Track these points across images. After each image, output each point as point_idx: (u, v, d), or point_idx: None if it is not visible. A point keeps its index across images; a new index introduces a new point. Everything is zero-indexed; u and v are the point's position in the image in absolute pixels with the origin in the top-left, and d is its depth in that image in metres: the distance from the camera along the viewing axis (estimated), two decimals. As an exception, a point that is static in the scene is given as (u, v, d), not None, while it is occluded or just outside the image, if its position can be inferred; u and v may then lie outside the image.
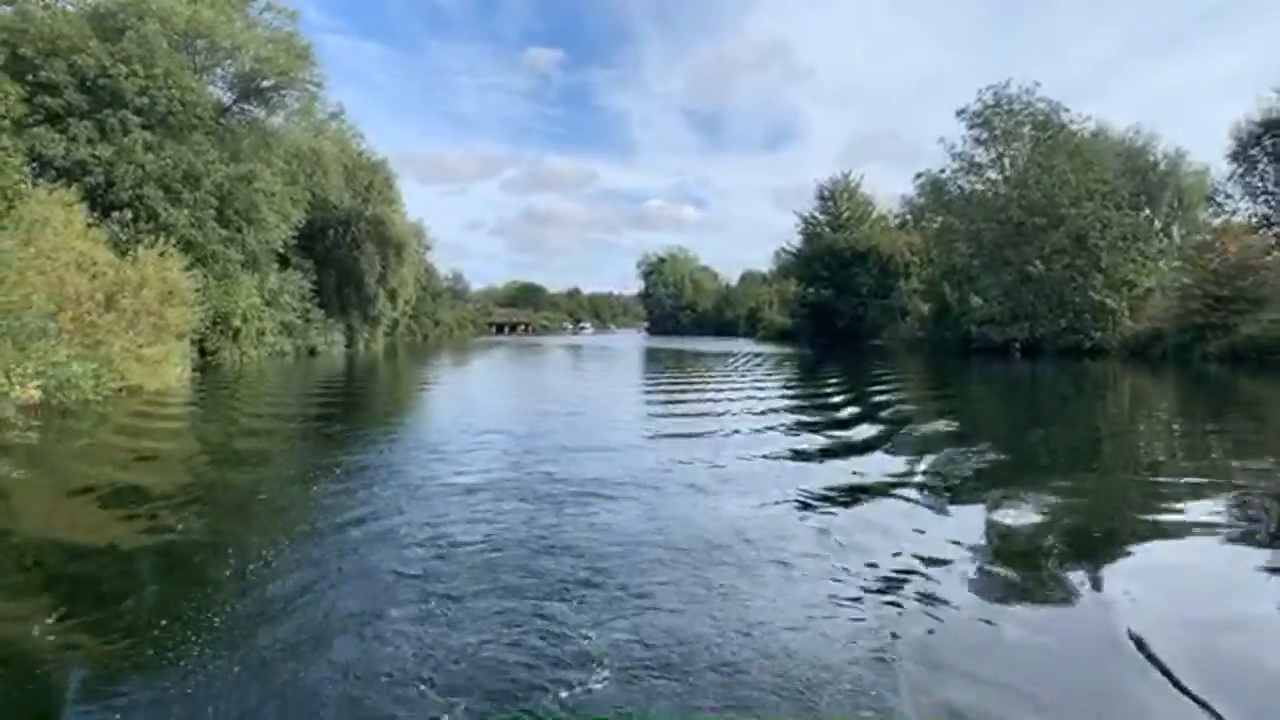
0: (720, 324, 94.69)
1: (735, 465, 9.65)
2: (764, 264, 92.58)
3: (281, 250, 35.05)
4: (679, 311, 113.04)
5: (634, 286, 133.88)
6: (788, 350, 48.08)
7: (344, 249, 43.10)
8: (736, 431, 12.57)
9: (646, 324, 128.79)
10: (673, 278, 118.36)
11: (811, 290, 57.65)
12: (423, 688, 3.70)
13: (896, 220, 54.15)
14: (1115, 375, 25.30)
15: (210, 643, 4.13)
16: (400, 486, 8.11)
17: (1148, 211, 45.76)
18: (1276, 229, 33.17)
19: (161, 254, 20.05)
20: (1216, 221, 34.31)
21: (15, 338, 12.91)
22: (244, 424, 14.48)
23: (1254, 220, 34.80)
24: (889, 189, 52.60)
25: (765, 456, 10.18)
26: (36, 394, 12.72)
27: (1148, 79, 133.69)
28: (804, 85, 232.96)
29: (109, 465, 9.53)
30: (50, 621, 4.49)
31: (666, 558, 5.70)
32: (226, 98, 33.14)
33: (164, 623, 4.41)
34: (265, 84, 33.29)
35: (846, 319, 53.34)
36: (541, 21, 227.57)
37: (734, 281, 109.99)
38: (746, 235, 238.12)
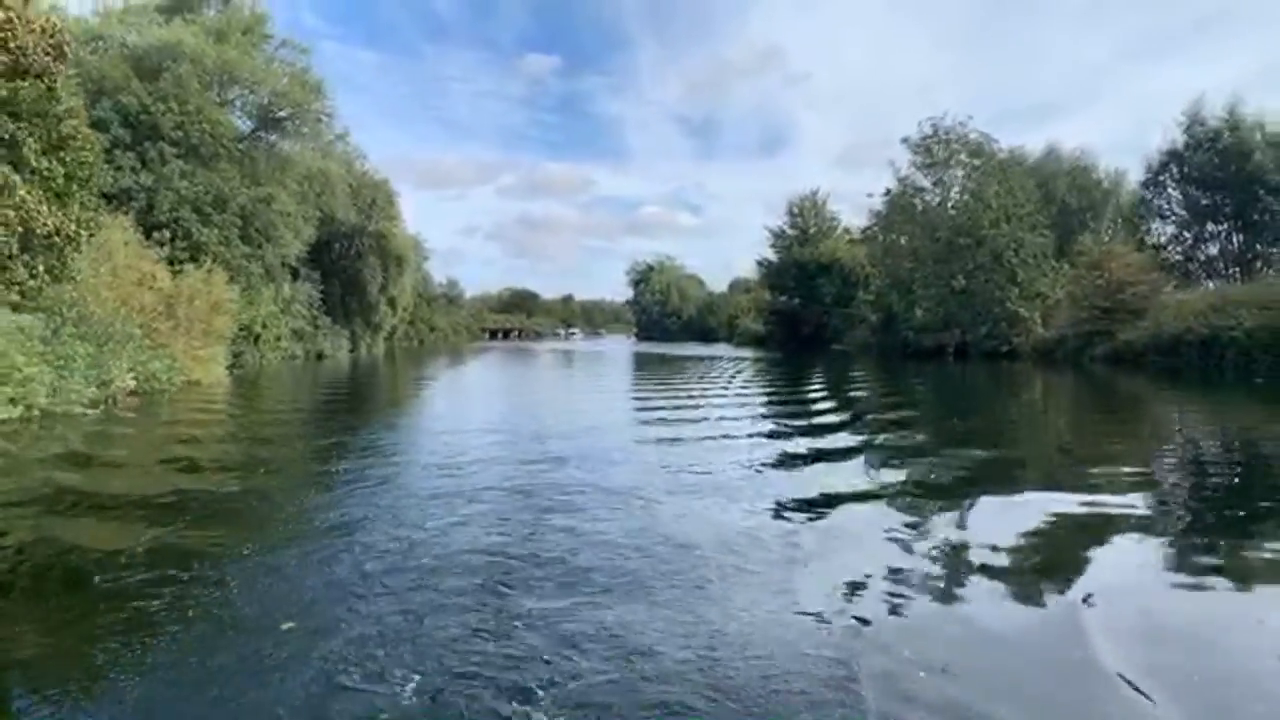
0: (704, 330, 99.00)
1: (706, 444, 11.70)
2: (755, 271, 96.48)
3: (293, 263, 38.90)
4: (665, 318, 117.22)
5: (626, 293, 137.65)
6: (759, 354, 52.25)
7: (349, 261, 46.98)
8: (706, 419, 15.07)
9: (635, 330, 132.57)
10: (660, 285, 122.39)
11: (782, 299, 62.04)
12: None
13: (859, 234, 58.41)
14: (1025, 374, 29.26)
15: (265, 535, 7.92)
16: (396, 457, 11.56)
17: (1093, 226, 50.11)
18: (1165, 251, 37.75)
19: (209, 272, 23.89)
20: (1137, 238, 38.95)
21: (114, 341, 16.79)
22: (282, 406, 18.72)
23: (1162, 239, 39.25)
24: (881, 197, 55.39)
25: (732, 436, 12.22)
26: (132, 383, 16.62)
27: (1139, 84, 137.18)
28: (799, 90, 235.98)
29: (194, 428, 13.51)
30: (182, 525, 6.79)
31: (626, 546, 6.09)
32: (246, 126, 37.01)
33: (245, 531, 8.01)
34: (281, 115, 37.16)
35: (812, 325, 57.54)
36: (537, 28, 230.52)
37: (724, 288, 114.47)
38: (741, 241, 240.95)
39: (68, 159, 17.66)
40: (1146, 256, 34.89)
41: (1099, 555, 5.98)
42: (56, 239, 16.65)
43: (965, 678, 3.78)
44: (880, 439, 12.52)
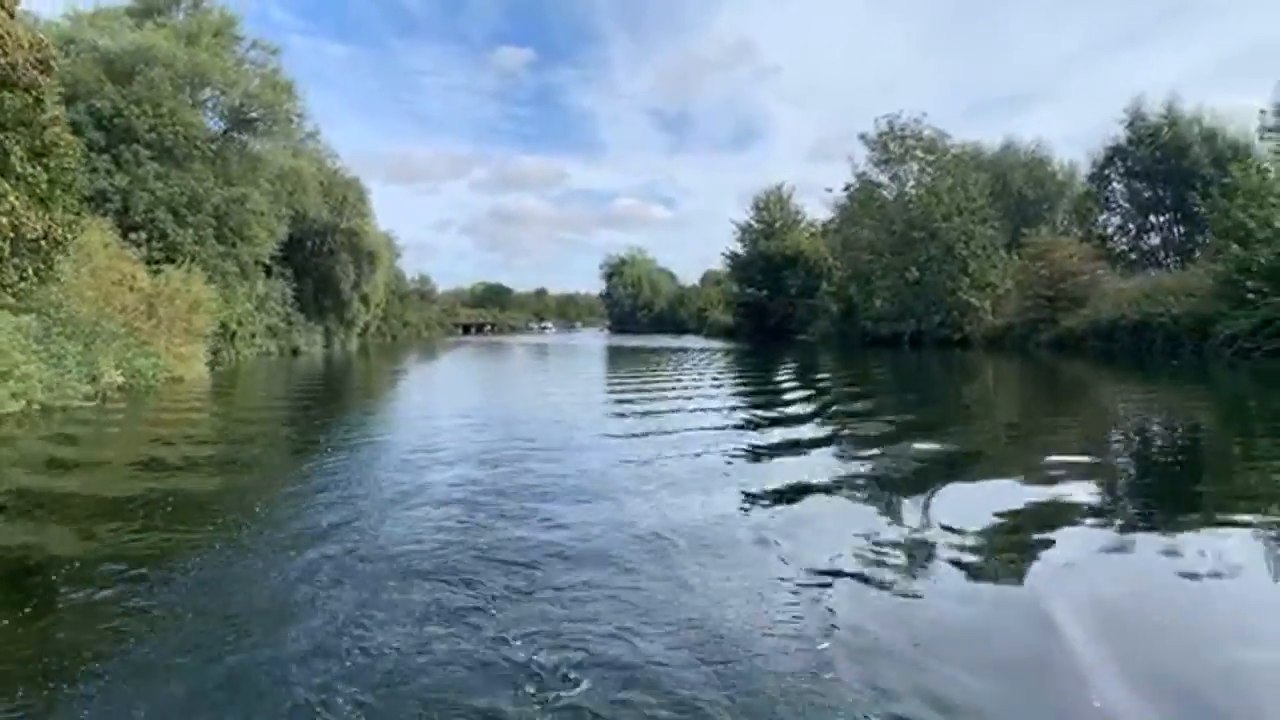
0: (675, 322, 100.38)
1: (678, 427, 12.46)
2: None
3: (267, 261, 39.58)
4: (637, 311, 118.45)
5: (600, 286, 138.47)
6: (728, 345, 53.70)
7: (321, 259, 47.62)
8: (679, 410, 15.47)
9: (608, 323, 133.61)
10: (632, 279, 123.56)
11: (749, 291, 63.45)
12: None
13: (822, 227, 59.89)
14: (975, 361, 30.72)
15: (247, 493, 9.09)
16: (367, 441, 12.98)
17: (1048, 218, 52.00)
18: (1112, 241, 39.66)
19: (188, 271, 24.71)
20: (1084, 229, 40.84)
21: (100, 339, 17.67)
22: (260, 399, 19.76)
23: (1108, 230, 41.09)
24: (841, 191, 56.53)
25: (705, 428, 12.44)
26: (120, 379, 17.51)
27: (1109, 75, 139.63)
28: (770, 84, 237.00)
29: (178, 416, 14.52)
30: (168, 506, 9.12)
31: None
32: (219, 127, 37.58)
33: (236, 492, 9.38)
34: (253, 115, 37.82)
35: (778, 316, 58.99)
36: (508, 22, 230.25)
37: (696, 280, 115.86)
38: (714, 233, 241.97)
39: (51, 165, 18.41)
40: (1088, 247, 36.53)
41: (1059, 537, 6.06)
42: (44, 243, 17.46)
43: (936, 662, 3.83)
44: (845, 430, 12.66)
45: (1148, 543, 6.03)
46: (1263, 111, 29.81)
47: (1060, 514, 6.76)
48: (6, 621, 4.38)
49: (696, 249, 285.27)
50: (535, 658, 3.86)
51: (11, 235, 16.42)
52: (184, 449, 10.61)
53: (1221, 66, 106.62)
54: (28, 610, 4.60)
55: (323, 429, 13.00)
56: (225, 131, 37.52)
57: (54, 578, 5.27)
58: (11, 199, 16.48)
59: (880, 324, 43.63)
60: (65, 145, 19.90)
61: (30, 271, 17.34)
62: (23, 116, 17.52)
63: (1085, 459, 9.63)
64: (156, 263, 26.59)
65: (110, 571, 5.23)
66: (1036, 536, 6.13)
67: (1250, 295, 23.16)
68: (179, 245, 30.08)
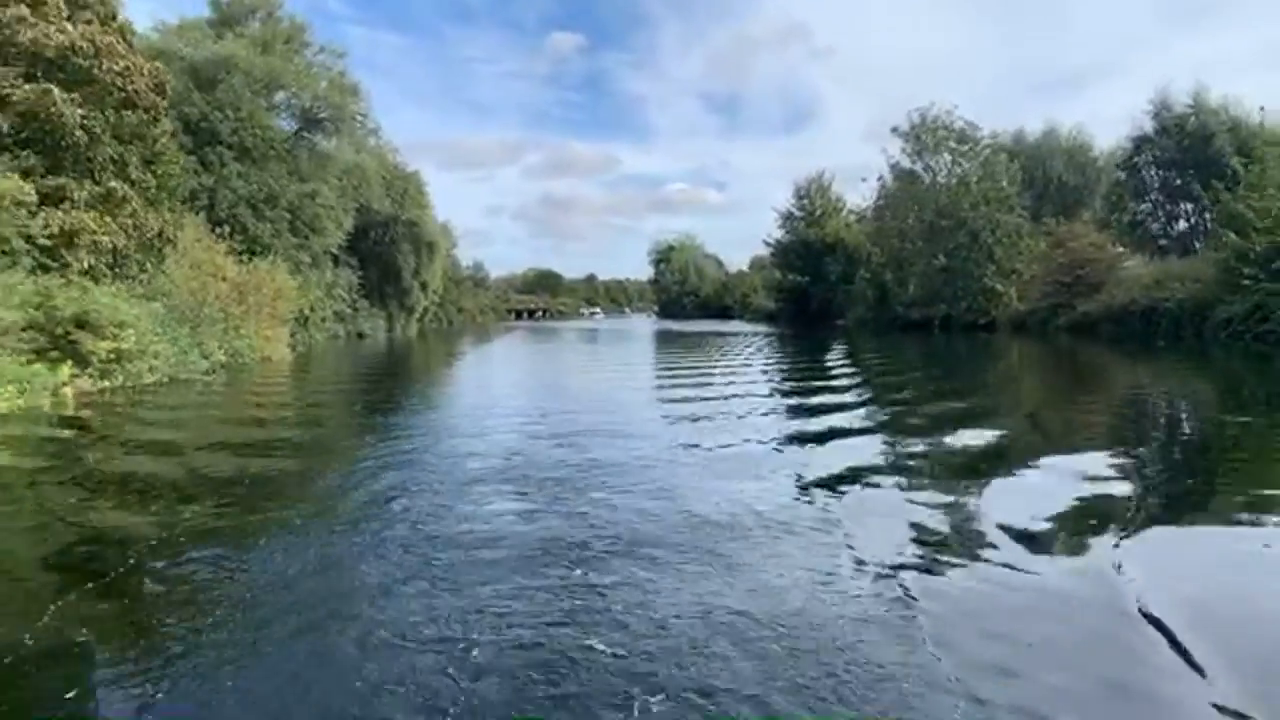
0: (720, 308, 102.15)
1: (733, 407, 13.11)
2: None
3: (335, 251, 42.73)
4: (684, 297, 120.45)
5: (649, 272, 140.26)
6: (770, 329, 55.75)
7: (384, 248, 50.77)
8: (730, 389, 16.24)
9: (656, 308, 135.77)
10: (679, 265, 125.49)
11: (791, 277, 65.21)
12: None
13: (857, 216, 61.32)
14: (1000, 344, 32.44)
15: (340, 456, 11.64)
16: (432, 410, 15.60)
17: (1088, 203, 52.96)
18: (1141, 228, 40.78)
19: (272, 263, 27.72)
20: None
21: (204, 324, 20.62)
22: (341, 374, 22.67)
23: (1138, 217, 42.17)
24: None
25: (759, 413, 12.71)
26: (223, 358, 20.46)
27: (1175, 51, 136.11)
28: (823, 65, 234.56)
29: (276, 387, 17.35)
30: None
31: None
32: (291, 127, 40.69)
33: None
34: (322, 116, 40.90)
35: (818, 302, 60.60)
36: (559, 8, 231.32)
37: (746, 264, 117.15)
38: (765, 217, 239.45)
39: (159, 171, 21.41)
40: (1105, 235, 37.80)
41: (1114, 521, 5.99)
42: (156, 240, 20.39)
43: (1023, 647, 3.84)
44: (884, 411, 13.03)
45: (1206, 532, 6.14)
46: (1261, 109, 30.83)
47: (1106, 500, 6.78)
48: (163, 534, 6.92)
49: (749, 232, 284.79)
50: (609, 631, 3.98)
51: (135, 233, 19.41)
52: (289, 410, 13.31)
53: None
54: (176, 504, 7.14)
55: (400, 396, 15.73)
56: (297, 131, 40.59)
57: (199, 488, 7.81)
58: (134, 202, 19.42)
59: (911, 309, 45.36)
60: (170, 154, 22.96)
61: (148, 264, 20.37)
62: (139, 131, 20.41)
63: (1109, 442, 9.90)
64: (239, 254, 29.66)
65: (245, 491, 7.80)
66: (1093, 522, 6.07)
67: (1246, 282, 24.56)
68: (258, 238, 33.17)
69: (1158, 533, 5.87)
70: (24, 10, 16.73)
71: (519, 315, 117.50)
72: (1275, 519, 6.16)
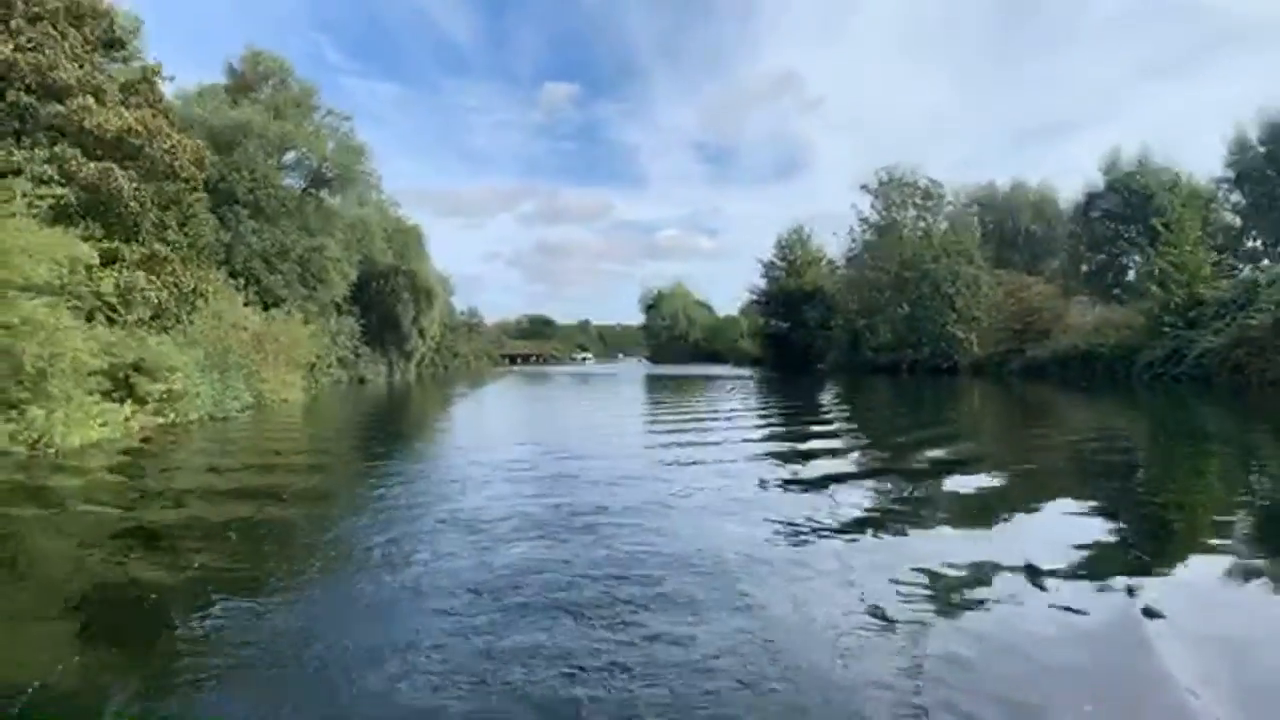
0: (710, 353, 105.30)
1: (723, 444, 14.37)
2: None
3: (339, 300, 45.38)
4: (674, 341, 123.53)
5: (640, 318, 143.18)
6: (753, 373, 58.36)
7: (385, 297, 53.41)
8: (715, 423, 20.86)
9: (648, 353, 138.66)
10: (669, 310, 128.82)
11: (774, 323, 68.34)
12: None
13: (830, 268, 64.84)
14: (961, 387, 34.89)
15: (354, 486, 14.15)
16: (425, 451, 18.12)
17: (1053, 252, 56.23)
18: (1094, 278, 43.84)
19: (288, 314, 30.30)
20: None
21: (231, 369, 23.10)
22: (350, 414, 25.09)
23: (1092, 268, 45.31)
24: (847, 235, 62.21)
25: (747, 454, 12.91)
26: (252, 400, 22.92)
27: (1154, 103, 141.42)
28: (814, 115, 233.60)
29: (294, 426, 19.80)
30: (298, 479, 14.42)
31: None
32: (299, 185, 43.58)
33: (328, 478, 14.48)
34: (330, 175, 43.87)
35: (799, 347, 63.41)
36: (554, 58, 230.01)
37: (738, 309, 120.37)
38: (756, 263, 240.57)
39: (190, 232, 24.08)
40: (1053, 287, 40.90)
41: (1081, 556, 6.24)
42: (192, 295, 22.95)
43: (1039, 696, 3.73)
44: (857, 457, 13.14)
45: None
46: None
47: (1084, 536, 6.89)
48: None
49: (740, 278, 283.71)
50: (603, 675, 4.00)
51: (175, 289, 21.97)
52: (315, 444, 15.77)
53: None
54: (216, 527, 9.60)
55: (402, 435, 18.22)
56: (305, 189, 43.46)
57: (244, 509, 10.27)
58: (174, 261, 22.01)
59: (880, 354, 48.35)
60: (201, 216, 25.65)
61: (182, 316, 22.91)
62: (176, 197, 23.08)
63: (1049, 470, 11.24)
64: (252, 305, 32.23)
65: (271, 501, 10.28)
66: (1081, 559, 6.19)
67: (1166, 329, 27.38)
68: (270, 289, 35.83)
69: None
70: (90, 101, 19.50)
71: (513, 360, 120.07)
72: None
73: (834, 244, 63.18)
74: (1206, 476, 10.96)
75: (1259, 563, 6.16)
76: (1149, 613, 4.76)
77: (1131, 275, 44.73)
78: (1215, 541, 6.85)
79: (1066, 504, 8.59)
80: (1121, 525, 7.39)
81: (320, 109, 46.50)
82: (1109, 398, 24.27)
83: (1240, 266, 35.50)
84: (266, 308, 32.82)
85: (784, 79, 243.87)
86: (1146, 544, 6.92)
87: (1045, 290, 39.05)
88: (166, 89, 25.32)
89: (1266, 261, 32.23)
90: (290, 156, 43.02)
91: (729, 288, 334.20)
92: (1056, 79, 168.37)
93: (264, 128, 39.15)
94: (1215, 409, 19.65)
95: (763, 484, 9.73)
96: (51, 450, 12.65)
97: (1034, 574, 5.59)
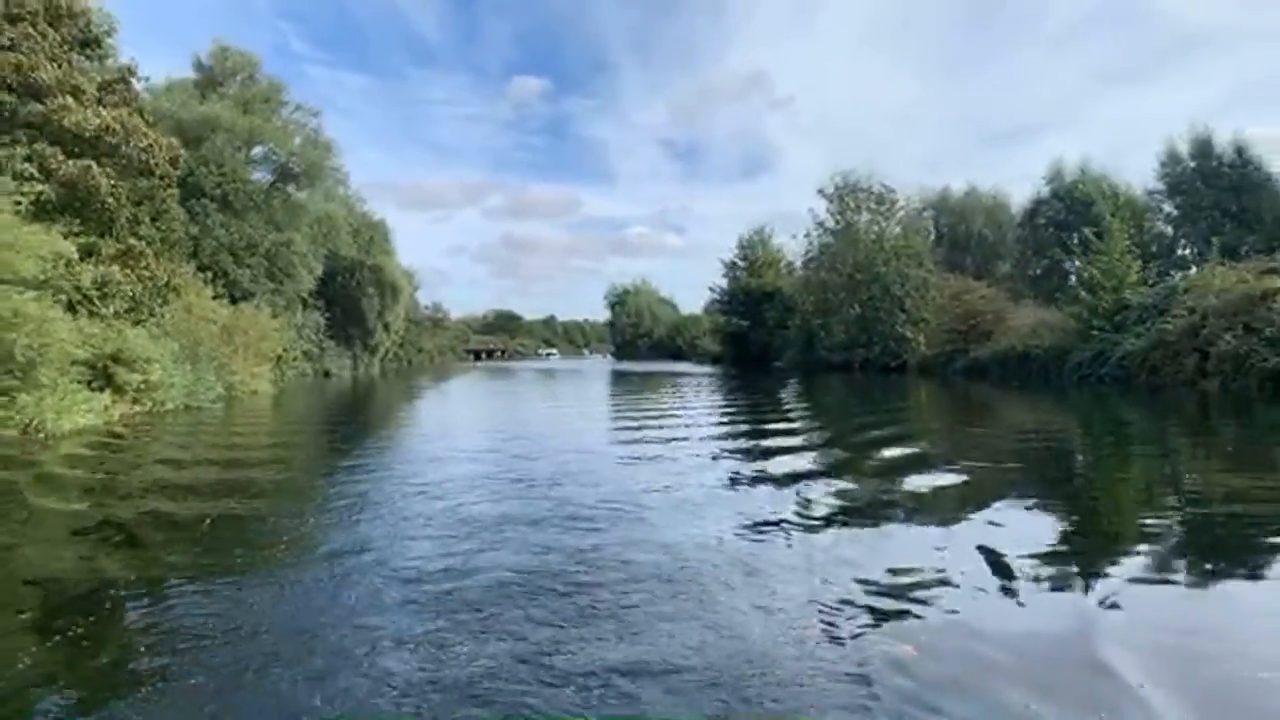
0: (673, 350, 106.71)
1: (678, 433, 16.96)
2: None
3: (305, 294, 45.92)
4: (639, 339, 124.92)
5: (607, 314, 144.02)
6: (713, 370, 59.79)
7: (350, 291, 54.04)
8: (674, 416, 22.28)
9: (612, 350, 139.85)
10: (634, 308, 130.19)
11: (734, 321, 69.89)
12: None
13: (788, 269, 66.70)
14: (908, 384, 36.54)
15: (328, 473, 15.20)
16: (392, 437, 19.14)
17: (1004, 256, 58.36)
18: (1039, 282, 45.95)
19: (257, 308, 31.01)
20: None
21: (202, 361, 23.88)
22: (318, 403, 25.99)
23: (1038, 272, 47.40)
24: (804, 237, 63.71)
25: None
26: (223, 390, 23.71)
27: (1115, 107, 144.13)
28: (783, 114, 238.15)
29: (265, 413, 20.71)
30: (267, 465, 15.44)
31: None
32: (266, 179, 43.99)
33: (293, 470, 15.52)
34: (297, 170, 44.36)
35: (758, 345, 64.91)
36: (523, 53, 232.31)
37: (702, 307, 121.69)
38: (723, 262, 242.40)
39: (162, 227, 24.82)
40: (995, 290, 42.84)
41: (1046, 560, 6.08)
42: (165, 288, 23.68)
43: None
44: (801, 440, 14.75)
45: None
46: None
47: (1034, 529, 7.18)
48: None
49: (707, 275, 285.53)
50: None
51: (149, 282, 22.69)
52: (288, 429, 16.74)
53: (1234, 98, 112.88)
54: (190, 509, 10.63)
55: (369, 425, 19.22)
56: (272, 183, 43.86)
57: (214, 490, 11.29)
58: (149, 256, 22.73)
59: (834, 353, 50.11)
60: (172, 211, 26.35)
61: (155, 309, 23.63)
62: (150, 193, 23.78)
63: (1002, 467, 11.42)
64: (220, 298, 32.83)
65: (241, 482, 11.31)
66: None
67: (1094, 332, 29.17)
68: (238, 283, 36.40)
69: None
70: (69, 100, 20.19)
71: (478, 355, 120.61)
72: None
73: (793, 246, 64.22)
74: (1136, 471, 11.67)
75: (1195, 556, 6.49)
76: (1101, 604, 5.00)
77: (1072, 280, 46.79)
78: (1153, 531, 7.19)
79: (1016, 499, 8.73)
80: (1070, 519, 7.93)
81: (288, 104, 46.89)
82: (1043, 396, 25.77)
83: (1172, 274, 37.49)
84: (234, 301, 33.48)
85: (753, 77, 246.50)
86: (1092, 538, 7.28)
87: (988, 293, 40.93)
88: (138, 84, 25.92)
89: (1194, 270, 34.07)
90: (258, 151, 43.37)
91: (697, 285, 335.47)
92: (1018, 83, 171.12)
93: (232, 123, 39.62)
94: (1135, 408, 21.11)
95: (732, 480, 9.96)
96: (42, 435, 13.51)
97: (988, 567, 5.74)
